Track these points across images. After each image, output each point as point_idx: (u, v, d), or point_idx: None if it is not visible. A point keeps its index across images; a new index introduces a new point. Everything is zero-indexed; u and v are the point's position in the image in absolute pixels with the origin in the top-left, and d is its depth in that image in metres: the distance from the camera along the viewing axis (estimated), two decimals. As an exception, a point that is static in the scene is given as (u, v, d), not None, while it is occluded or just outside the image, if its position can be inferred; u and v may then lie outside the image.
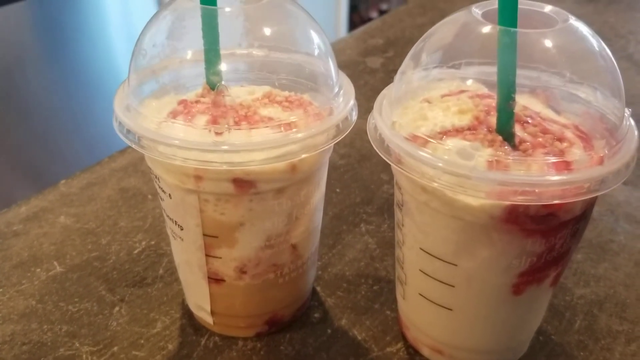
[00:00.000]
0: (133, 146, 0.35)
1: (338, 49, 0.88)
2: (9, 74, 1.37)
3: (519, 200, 0.31)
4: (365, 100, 0.65)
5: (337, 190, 0.59)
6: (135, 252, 0.51)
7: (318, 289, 0.47)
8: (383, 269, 0.49)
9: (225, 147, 0.34)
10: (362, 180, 0.60)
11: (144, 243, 0.52)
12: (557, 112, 0.38)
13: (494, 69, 0.34)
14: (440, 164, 0.32)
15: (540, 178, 0.31)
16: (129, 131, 0.35)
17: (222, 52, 0.38)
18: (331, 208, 0.56)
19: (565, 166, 0.32)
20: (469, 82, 0.39)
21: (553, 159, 0.32)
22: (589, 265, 0.50)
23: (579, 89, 0.37)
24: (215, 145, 0.34)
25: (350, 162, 0.63)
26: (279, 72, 0.41)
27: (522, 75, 0.37)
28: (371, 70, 0.82)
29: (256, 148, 0.34)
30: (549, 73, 0.37)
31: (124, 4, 1.60)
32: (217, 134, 0.34)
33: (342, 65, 0.41)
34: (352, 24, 2.53)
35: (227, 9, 0.37)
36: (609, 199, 0.58)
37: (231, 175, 0.35)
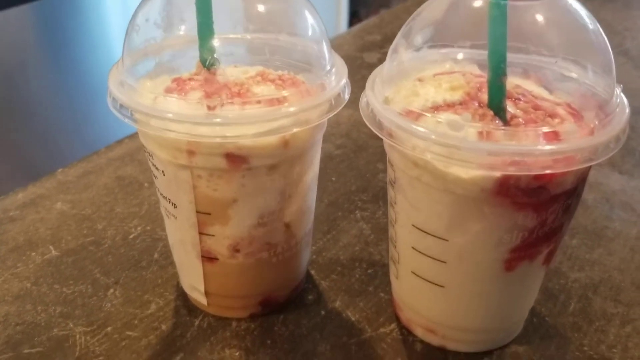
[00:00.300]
0: (126, 120, 0.35)
1: (335, 45, 0.88)
2: (10, 76, 1.38)
3: (510, 170, 0.31)
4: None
5: (333, 178, 0.59)
6: (131, 236, 0.51)
7: (312, 272, 0.47)
8: (377, 254, 0.49)
9: (217, 120, 0.34)
10: (357, 169, 0.60)
11: (139, 228, 0.52)
12: (550, 91, 0.38)
13: (486, 51, 0.34)
14: (431, 136, 0.32)
15: (530, 147, 0.31)
16: (122, 106, 0.36)
17: (216, 35, 0.38)
18: (327, 196, 0.56)
19: (555, 136, 0.32)
20: (462, 60, 0.39)
21: (543, 129, 0.32)
22: (583, 251, 0.50)
23: (570, 67, 0.37)
24: (207, 118, 0.34)
25: (346, 152, 0.63)
26: (273, 53, 0.41)
27: (515, 57, 0.37)
28: (368, 65, 0.82)
29: (248, 121, 0.34)
30: (541, 54, 0.37)
31: (125, 7, 1.60)
32: (209, 107, 0.34)
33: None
34: (353, 29, 2.54)
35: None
36: (605, 187, 0.58)
37: (223, 150, 0.35)
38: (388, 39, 0.90)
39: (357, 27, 0.97)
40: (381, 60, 0.87)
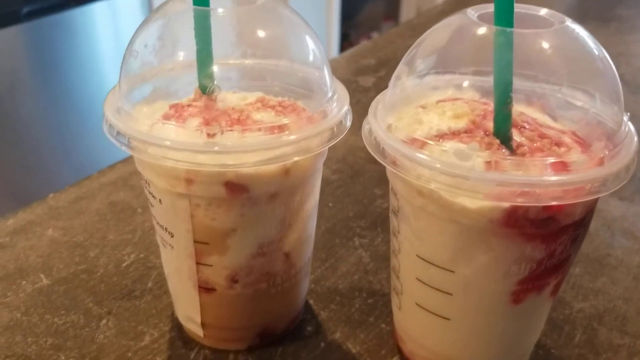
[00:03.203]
0: (123, 148, 0.34)
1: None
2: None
3: (519, 201, 0.31)
4: (358, 118, 0.65)
5: (330, 204, 0.58)
6: (124, 265, 0.49)
7: (311, 302, 0.46)
8: (377, 282, 0.48)
9: (217, 148, 0.33)
10: (355, 195, 0.59)
11: (132, 256, 0.50)
12: (554, 118, 0.37)
13: (489, 78, 0.34)
14: (437, 165, 0.31)
15: (540, 178, 0.30)
16: (118, 133, 0.35)
17: (215, 60, 0.37)
18: (324, 222, 0.55)
19: (564, 167, 0.31)
20: (465, 88, 0.39)
21: (552, 160, 0.31)
22: (587, 280, 0.49)
23: (576, 95, 0.37)
24: (207, 146, 0.33)
25: (342, 178, 0.62)
26: (272, 79, 0.40)
27: (518, 85, 0.36)
28: (363, 89, 0.82)
29: (249, 149, 0.33)
30: (545, 81, 0.37)
31: (116, 29, 1.60)
32: (209, 135, 0.34)
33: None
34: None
35: (220, 10, 0.36)
36: (605, 214, 0.57)
37: (223, 179, 0.34)
38: (382, 63, 0.90)
39: (351, 51, 0.97)
40: (376, 84, 0.86)
